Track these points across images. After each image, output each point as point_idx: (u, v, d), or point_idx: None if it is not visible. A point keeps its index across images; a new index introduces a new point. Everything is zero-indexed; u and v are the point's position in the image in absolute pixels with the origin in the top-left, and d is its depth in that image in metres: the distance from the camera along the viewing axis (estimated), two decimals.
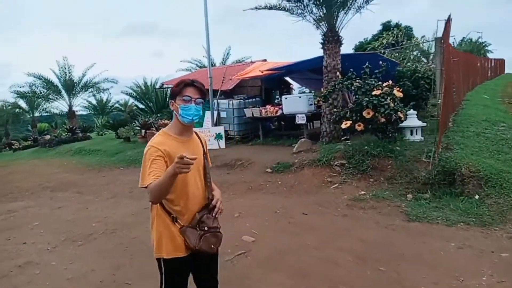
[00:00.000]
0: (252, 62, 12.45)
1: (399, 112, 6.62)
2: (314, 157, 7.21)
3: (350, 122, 6.71)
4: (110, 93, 27.46)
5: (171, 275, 2.08)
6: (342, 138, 7.99)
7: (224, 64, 19.81)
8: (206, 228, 2.07)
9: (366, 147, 6.74)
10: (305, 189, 6.36)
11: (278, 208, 5.53)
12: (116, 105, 29.29)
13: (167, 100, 16.92)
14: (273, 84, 13.85)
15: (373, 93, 6.31)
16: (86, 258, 4.35)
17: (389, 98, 6.42)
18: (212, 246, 2.09)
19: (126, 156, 11.29)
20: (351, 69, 7.21)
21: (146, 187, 1.89)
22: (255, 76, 10.73)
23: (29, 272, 4.08)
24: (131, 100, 23.08)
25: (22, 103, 23.63)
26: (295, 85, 14.84)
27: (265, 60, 12.50)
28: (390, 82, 6.95)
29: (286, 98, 9.55)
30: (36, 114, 26.07)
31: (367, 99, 6.35)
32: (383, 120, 6.51)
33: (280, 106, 10.11)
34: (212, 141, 10.27)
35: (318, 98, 9.78)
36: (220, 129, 10.40)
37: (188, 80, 2.09)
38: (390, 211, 5.11)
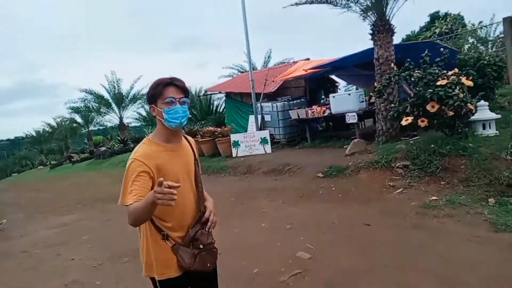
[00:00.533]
0: (294, 62, 11.93)
1: (469, 104, 5.75)
2: (371, 159, 6.51)
3: (412, 117, 5.95)
4: None
5: None
6: (405, 136, 7.19)
7: (265, 67, 19.45)
8: (201, 246, 1.86)
9: (432, 146, 5.94)
10: (363, 195, 5.70)
11: (335, 218, 4.94)
12: None
13: (210, 106, 16.95)
14: (318, 83, 13.22)
15: (438, 83, 5.51)
16: (132, 276, 4.09)
17: (457, 88, 5.59)
18: (209, 265, 1.89)
19: None
20: (408, 59, 6.44)
21: (126, 206, 1.64)
22: (298, 76, 10.20)
23: None
24: None
25: (78, 118, 25.01)
26: (341, 83, 14.09)
27: (308, 59, 11.93)
28: (456, 70, 6.09)
29: (334, 97, 8.91)
30: (91, 127, 27.45)
31: (431, 90, 5.57)
32: (451, 113, 5.69)
33: (327, 106, 9.48)
34: (257, 146, 9.88)
35: (370, 94, 9.01)
36: (265, 133, 9.98)
37: (166, 79, 1.84)
38: (471, 219, 4.33)
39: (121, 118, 20.73)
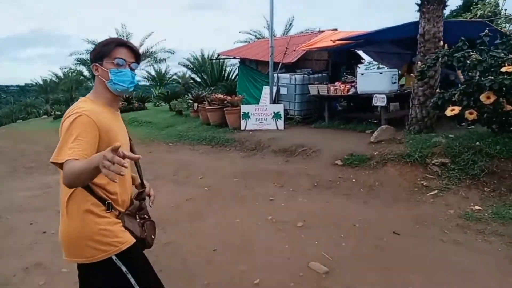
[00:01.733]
0: (320, 32, 10.76)
1: None
2: (402, 151, 5.61)
3: (459, 108, 4.97)
4: (168, 65, 27.30)
5: (137, 268, 1.65)
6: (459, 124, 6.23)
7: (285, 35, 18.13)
8: (146, 216, 1.82)
9: (478, 143, 5.01)
10: (390, 193, 4.84)
11: (356, 220, 4.12)
12: (174, 77, 29.02)
13: (222, 72, 15.87)
14: (342, 57, 12.08)
15: (503, 69, 4.49)
16: None
17: None
18: (152, 237, 1.81)
19: (176, 130, 10.43)
20: (462, 38, 5.37)
21: (60, 164, 1.39)
22: (324, 47, 9.10)
23: (32, 279, 3.17)
24: (189, 73, 22.41)
25: (85, 70, 24.02)
26: (366, 60, 12.94)
27: (335, 30, 10.73)
28: None
29: (362, 74, 7.87)
30: None
31: (492, 78, 4.55)
32: (509, 108, 4.71)
33: (352, 84, 8.46)
34: (269, 121, 8.97)
35: (403, 74, 7.99)
36: (280, 108, 9.03)
37: (120, 39, 1.73)
38: None
39: None
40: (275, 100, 9.68)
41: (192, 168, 6.71)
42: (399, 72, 8.79)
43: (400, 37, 8.14)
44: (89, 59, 1.75)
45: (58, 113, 25.48)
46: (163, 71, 28.41)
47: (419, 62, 6.11)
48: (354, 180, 5.35)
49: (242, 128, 9.07)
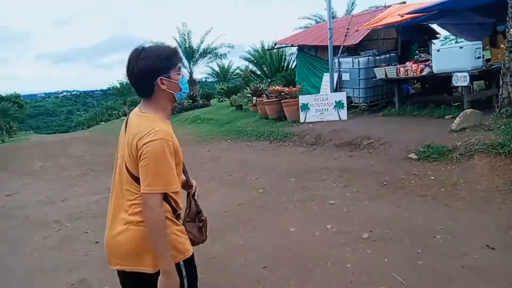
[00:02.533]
0: (386, 7, 9.62)
1: None
2: (492, 140, 4.59)
3: None
4: (231, 60, 27.47)
5: (193, 275, 1.68)
6: None
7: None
8: (203, 218, 1.81)
9: None
10: (479, 194, 3.95)
11: (437, 229, 3.38)
12: (237, 71, 29.17)
13: (281, 62, 15.31)
14: (413, 34, 10.74)
15: None
16: None
17: None
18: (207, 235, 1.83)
19: (235, 126, 10.22)
20: None
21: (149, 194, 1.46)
22: (390, 24, 8.05)
23: None
24: (250, 66, 22.27)
25: None
26: (442, 34, 11.38)
27: (404, 3, 9.49)
28: None
29: (438, 51, 6.75)
30: None
31: None
32: None
33: (426, 63, 7.36)
34: (330, 111, 8.26)
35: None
36: (342, 96, 8.26)
37: (173, 47, 1.62)
38: None
39: (191, 73, 20.13)
40: (337, 87, 8.91)
41: (248, 167, 6.36)
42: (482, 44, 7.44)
43: (482, 3, 6.83)
44: (142, 73, 1.54)
45: None
46: (226, 66, 28.81)
47: (511, 30, 4.95)
48: (432, 177, 4.50)
49: (302, 120, 8.50)
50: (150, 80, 1.54)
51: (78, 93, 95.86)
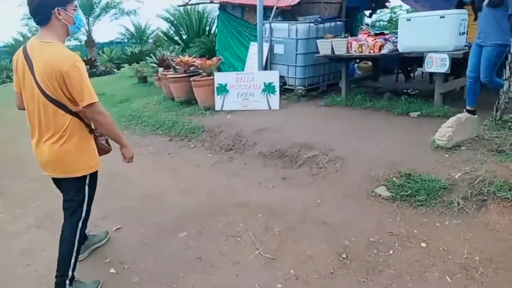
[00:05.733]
0: None
1: None
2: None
3: None
4: (149, 19, 23.58)
5: (94, 185, 2.24)
6: None
7: None
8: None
9: None
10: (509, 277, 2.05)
11: None
12: (157, 32, 25.21)
13: (198, 24, 12.48)
14: (360, 0, 8.81)
15: None
16: None
17: None
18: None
19: (129, 108, 7.45)
20: None
21: (93, 103, 1.91)
22: None
23: None
24: (172, 29, 18.73)
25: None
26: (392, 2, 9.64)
27: None
28: None
29: (408, 20, 4.75)
30: (66, 42, 22.77)
31: None
32: None
33: (387, 37, 5.39)
34: (257, 97, 5.99)
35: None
36: (273, 76, 6.01)
37: None
38: None
39: (89, 32, 16.16)
40: (267, 63, 6.62)
41: (116, 192, 3.82)
42: None
43: None
44: (41, 1, 1.82)
45: None
46: (143, 26, 24.76)
47: None
48: (423, 245, 2.51)
49: (218, 107, 6.11)
50: (48, 8, 1.84)
51: None
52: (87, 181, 2.14)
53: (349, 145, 3.94)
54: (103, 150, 2.22)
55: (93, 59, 15.00)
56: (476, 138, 3.42)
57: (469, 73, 4.13)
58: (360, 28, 9.07)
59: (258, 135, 4.77)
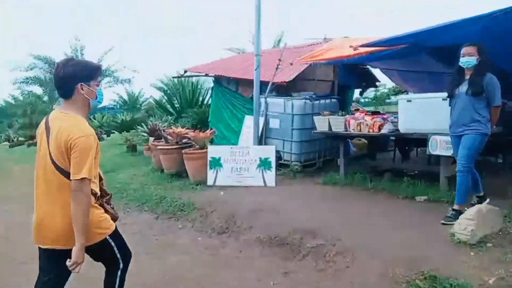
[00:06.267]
0: (326, 40, 7.71)
1: None
2: None
3: None
4: (142, 88, 24.21)
5: (121, 244, 2.17)
6: None
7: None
8: (111, 202, 2.19)
9: None
10: None
11: None
12: (150, 100, 25.58)
13: (196, 95, 12.62)
14: (351, 78, 9.05)
15: None
16: None
17: None
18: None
19: (115, 179, 6.99)
20: None
21: (82, 179, 1.84)
22: (338, 58, 5.95)
23: None
24: (165, 98, 18.97)
25: (39, 90, 20.27)
26: (382, 81, 9.98)
27: (346, 38, 7.68)
28: None
29: (409, 101, 4.70)
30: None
31: None
32: None
33: (385, 116, 5.32)
34: (252, 172, 5.68)
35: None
36: (269, 151, 5.77)
37: (98, 64, 2.25)
38: None
39: None
40: (262, 137, 6.44)
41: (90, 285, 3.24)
42: None
43: (447, 43, 5.02)
44: (66, 76, 1.91)
45: (22, 139, 21.31)
46: (136, 94, 25.23)
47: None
48: None
49: (210, 182, 5.73)
50: (72, 83, 1.93)
51: None
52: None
53: (358, 234, 3.54)
54: (112, 218, 2.12)
55: None
56: (500, 233, 3.09)
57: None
58: (351, 105, 9.27)
59: (254, 216, 4.35)
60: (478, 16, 3.86)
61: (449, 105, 3.82)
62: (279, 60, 6.52)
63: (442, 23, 4.31)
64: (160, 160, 6.71)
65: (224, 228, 4.34)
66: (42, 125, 1.99)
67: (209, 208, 4.85)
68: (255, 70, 6.03)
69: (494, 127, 3.84)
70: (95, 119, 20.08)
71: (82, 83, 1.93)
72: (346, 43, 6.32)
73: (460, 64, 3.60)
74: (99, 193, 2.03)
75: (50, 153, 1.89)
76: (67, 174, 1.87)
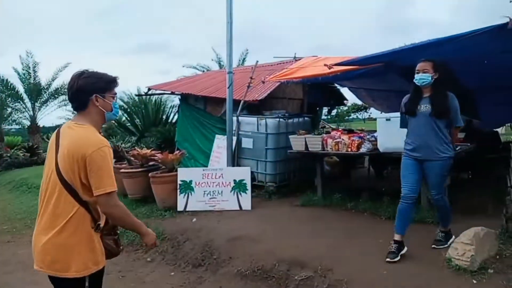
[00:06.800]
0: (296, 59, 7.65)
1: None
2: None
3: None
4: None
5: None
6: None
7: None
8: (118, 231, 1.98)
9: None
10: None
11: None
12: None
13: (155, 113, 12.11)
14: (319, 97, 9.06)
15: None
16: None
17: None
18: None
19: None
20: None
21: (110, 193, 1.74)
22: (311, 76, 5.83)
23: None
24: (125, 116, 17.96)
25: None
26: (350, 100, 10.10)
27: (315, 57, 7.68)
28: None
29: (388, 120, 4.62)
30: (6, 126, 20.92)
31: None
32: None
33: (362, 135, 5.23)
34: (226, 195, 5.32)
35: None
36: (244, 173, 5.45)
37: (115, 76, 1.98)
38: None
39: (33, 118, 14.88)
40: (234, 159, 6.13)
41: None
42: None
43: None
44: (81, 89, 1.83)
45: None
46: None
47: None
48: None
49: (180, 208, 5.29)
50: (87, 95, 1.84)
51: None
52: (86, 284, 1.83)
53: (348, 263, 3.30)
54: (110, 253, 1.90)
55: (35, 146, 13.60)
56: (498, 257, 2.97)
57: (407, 194, 3.31)
58: (320, 123, 9.25)
59: (232, 246, 3.99)
60: (449, 37, 3.85)
61: (401, 126, 3.51)
62: (251, 78, 6.32)
63: (418, 43, 4.32)
64: (123, 184, 6.15)
65: (199, 260, 3.93)
66: (53, 136, 1.90)
67: (181, 238, 4.42)
68: (228, 88, 5.76)
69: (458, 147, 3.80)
70: (49, 139, 18.62)
71: (97, 95, 1.85)
72: (317, 62, 6.27)
73: (414, 80, 3.25)
74: (101, 223, 1.85)
75: (57, 165, 1.77)
76: (71, 189, 1.75)
